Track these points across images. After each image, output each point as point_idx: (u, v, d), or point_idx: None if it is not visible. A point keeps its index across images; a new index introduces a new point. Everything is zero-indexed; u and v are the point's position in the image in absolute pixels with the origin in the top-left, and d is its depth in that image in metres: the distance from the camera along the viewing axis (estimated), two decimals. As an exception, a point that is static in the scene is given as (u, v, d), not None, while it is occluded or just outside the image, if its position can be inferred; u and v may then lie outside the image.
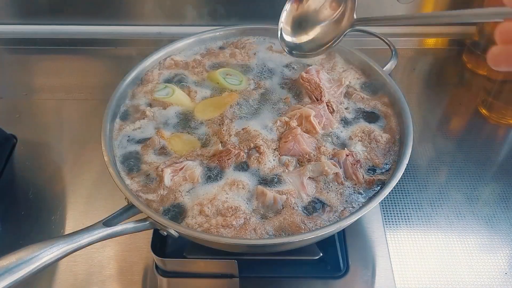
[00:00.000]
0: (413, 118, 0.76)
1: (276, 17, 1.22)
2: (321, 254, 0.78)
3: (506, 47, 0.40)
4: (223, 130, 0.77)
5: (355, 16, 0.73)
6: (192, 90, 0.86)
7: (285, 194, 0.68)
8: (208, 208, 0.66)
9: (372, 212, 0.85)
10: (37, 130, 1.04)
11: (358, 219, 0.64)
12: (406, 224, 0.85)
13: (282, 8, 0.79)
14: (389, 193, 0.65)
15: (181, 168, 0.71)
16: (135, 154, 0.75)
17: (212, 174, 0.71)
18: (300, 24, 0.79)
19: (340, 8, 0.76)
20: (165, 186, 0.69)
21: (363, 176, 0.71)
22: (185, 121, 0.81)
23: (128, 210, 0.65)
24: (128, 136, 0.78)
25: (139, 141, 0.77)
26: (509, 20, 0.40)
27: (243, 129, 0.78)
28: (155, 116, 0.81)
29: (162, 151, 0.76)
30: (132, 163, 0.74)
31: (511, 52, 0.40)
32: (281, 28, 0.79)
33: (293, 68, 0.92)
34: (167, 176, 0.70)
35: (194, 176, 0.70)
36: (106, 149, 0.72)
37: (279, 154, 0.74)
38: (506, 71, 0.43)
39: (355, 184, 0.70)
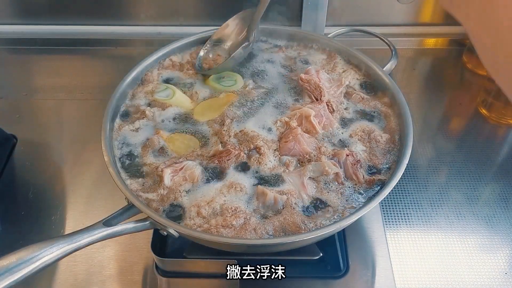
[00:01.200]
0: (413, 118, 0.76)
1: (277, 18, 1.22)
2: (321, 254, 0.78)
3: None
4: (223, 130, 0.77)
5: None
6: (194, 91, 0.86)
7: (285, 194, 0.68)
8: (205, 210, 0.66)
9: (372, 212, 0.85)
10: (37, 130, 1.04)
11: (358, 219, 0.64)
12: (406, 224, 0.85)
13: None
14: (389, 193, 0.65)
15: (181, 168, 0.71)
16: (135, 154, 0.75)
17: (212, 174, 0.71)
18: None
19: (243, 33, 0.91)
20: (165, 186, 0.69)
21: (363, 176, 0.71)
22: (185, 120, 0.81)
23: (128, 210, 0.65)
24: (128, 136, 0.78)
25: (139, 141, 0.77)
26: None
27: (240, 131, 0.77)
28: (154, 116, 0.81)
29: (162, 151, 0.76)
30: (132, 163, 0.74)
31: None
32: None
33: (292, 68, 0.92)
34: (167, 176, 0.70)
35: (194, 176, 0.70)
36: (106, 149, 0.72)
37: (280, 154, 0.74)
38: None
39: (355, 184, 0.70)
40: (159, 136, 0.77)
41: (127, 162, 0.74)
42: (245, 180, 0.71)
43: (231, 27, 0.93)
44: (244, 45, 0.86)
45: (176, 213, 0.67)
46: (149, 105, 0.84)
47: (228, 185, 0.70)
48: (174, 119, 0.81)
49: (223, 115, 0.80)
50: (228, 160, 0.72)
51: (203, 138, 0.78)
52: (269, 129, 0.78)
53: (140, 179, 0.72)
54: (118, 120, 0.81)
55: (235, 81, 0.88)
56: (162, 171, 0.70)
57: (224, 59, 0.90)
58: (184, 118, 0.82)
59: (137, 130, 0.79)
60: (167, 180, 0.70)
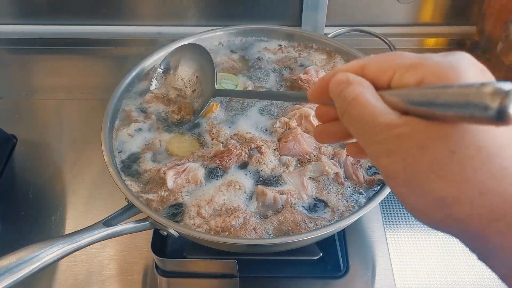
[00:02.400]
0: (413, 118, 0.76)
1: (276, 17, 1.22)
2: (321, 254, 0.78)
3: (326, 125, 0.44)
4: (223, 131, 0.77)
5: (216, 87, 0.79)
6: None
7: (285, 194, 0.68)
8: (205, 210, 0.66)
9: (372, 212, 0.85)
10: (37, 130, 1.04)
11: (358, 219, 0.64)
12: (406, 224, 0.85)
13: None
14: (389, 193, 0.65)
15: (184, 170, 0.71)
16: (136, 156, 0.75)
17: (215, 175, 0.71)
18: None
19: (202, 81, 0.84)
20: (168, 189, 0.69)
21: (363, 176, 0.71)
22: (183, 123, 0.81)
23: (128, 210, 0.65)
24: (127, 139, 0.78)
25: (139, 143, 0.77)
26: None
27: (235, 134, 0.77)
28: (153, 118, 0.81)
29: (163, 153, 0.75)
30: (132, 166, 0.74)
31: (331, 128, 0.44)
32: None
33: (292, 68, 0.92)
34: (170, 179, 0.69)
35: (197, 178, 0.70)
36: (106, 149, 0.72)
37: (279, 154, 0.74)
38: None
39: (356, 184, 0.70)
40: (158, 139, 0.77)
41: (128, 165, 0.74)
42: (245, 179, 0.71)
43: (182, 73, 0.86)
44: (209, 102, 0.79)
45: (176, 213, 0.67)
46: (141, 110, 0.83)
47: (227, 183, 0.70)
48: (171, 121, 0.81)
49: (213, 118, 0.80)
50: (229, 159, 0.72)
51: (202, 139, 0.78)
52: (269, 130, 0.78)
53: (141, 181, 0.71)
54: (118, 121, 0.81)
55: (236, 86, 0.87)
56: (164, 173, 0.70)
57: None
58: (182, 120, 0.81)
59: (136, 132, 0.79)
60: (170, 182, 0.69)
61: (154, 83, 0.86)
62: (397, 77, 0.35)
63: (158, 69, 0.87)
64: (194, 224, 0.65)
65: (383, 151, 0.34)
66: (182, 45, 0.89)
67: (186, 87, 0.86)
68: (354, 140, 0.42)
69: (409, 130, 0.33)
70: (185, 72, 0.87)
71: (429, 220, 0.34)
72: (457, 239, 0.34)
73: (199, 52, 0.85)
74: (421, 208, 0.34)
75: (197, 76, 0.85)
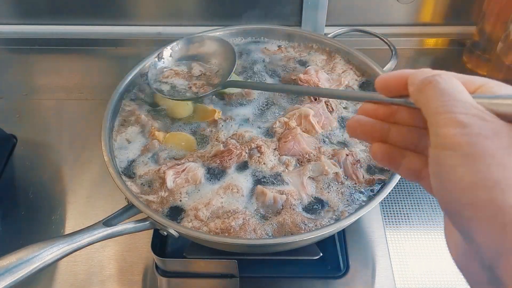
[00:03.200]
0: (413, 118, 0.76)
1: (277, 18, 1.22)
2: (321, 254, 0.78)
3: (367, 120, 0.45)
4: (222, 131, 0.77)
5: (230, 78, 0.81)
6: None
7: (285, 194, 0.68)
8: (203, 213, 0.66)
9: (372, 212, 0.85)
10: (37, 130, 1.04)
11: (358, 219, 0.64)
12: (406, 224, 0.85)
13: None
14: (389, 193, 0.65)
15: (183, 170, 0.71)
16: (135, 156, 0.75)
17: (215, 175, 0.71)
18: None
19: (221, 65, 0.86)
20: (167, 188, 0.69)
21: (363, 175, 0.71)
22: (180, 121, 0.81)
23: (128, 210, 0.65)
24: (127, 138, 0.78)
25: (138, 144, 0.77)
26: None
27: (233, 134, 0.77)
28: (148, 118, 0.81)
29: (163, 153, 0.75)
30: (131, 165, 0.74)
31: (372, 126, 0.44)
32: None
33: (292, 68, 0.92)
34: (170, 178, 0.69)
35: (197, 178, 0.70)
36: (106, 149, 0.72)
37: (279, 154, 0.74)
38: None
39: (355, 184, 0.70)
40: (155, 137, 0.77)
41: (127, 167, 0.74)
42: (244, 181, 0.71)
43: (209, 47, 0.87)
44: (215, 90, 0.81)
45: (175, 215, 0.67)
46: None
47: (224, 187, 0.69)
48: (169, 119, 0.81)
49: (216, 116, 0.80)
50: (230, 159, 0.72)
51: (200, 138, 0.78)
52: (269, 129, 0.78)
53: (141, 181, 0.71)
54: (118, 121, 0.81)
55: None
56: (164, 173, 0.70)
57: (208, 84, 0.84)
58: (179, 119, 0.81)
59: (136, 131, 0.79)
60: (169, 182, 0.69)
61: (169, 53, 0.87)
62: (486, 88, 0.36)
63: (175, 44, 0.88)
64: (193, 227, 0.65)
65: (456, 121, 0.34)
66: (211, 36, 0.90)
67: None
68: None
69: (490, 117, 0.34)
70: (204, 59, 0.88)
71: (463, 198, 0.33)
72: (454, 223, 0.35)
73: (226, 47, 0.86)
74: (466, 183, 0.33)
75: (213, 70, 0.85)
